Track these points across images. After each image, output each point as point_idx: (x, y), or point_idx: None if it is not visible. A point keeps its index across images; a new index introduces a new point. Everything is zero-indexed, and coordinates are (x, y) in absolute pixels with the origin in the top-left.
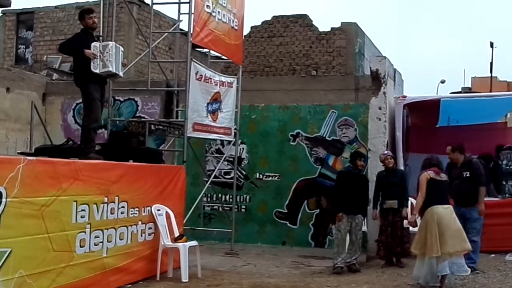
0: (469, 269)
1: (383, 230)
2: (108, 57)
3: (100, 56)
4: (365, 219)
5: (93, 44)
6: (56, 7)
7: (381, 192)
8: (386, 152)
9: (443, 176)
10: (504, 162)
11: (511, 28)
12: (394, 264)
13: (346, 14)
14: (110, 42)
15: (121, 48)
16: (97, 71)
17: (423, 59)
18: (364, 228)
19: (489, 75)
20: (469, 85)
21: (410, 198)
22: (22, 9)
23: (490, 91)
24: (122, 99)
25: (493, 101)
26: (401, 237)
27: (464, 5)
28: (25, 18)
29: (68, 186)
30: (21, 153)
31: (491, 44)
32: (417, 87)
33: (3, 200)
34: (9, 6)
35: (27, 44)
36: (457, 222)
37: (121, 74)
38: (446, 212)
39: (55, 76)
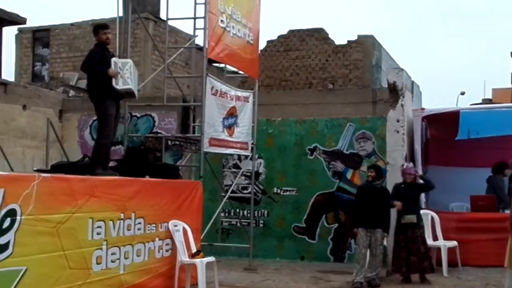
0: None
1: (402, 246)
2: (128, 74)
3: (121, 72)
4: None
5: (113, 59)
6: (72, 24)
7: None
8: (407, 164)
9: None
10: None
11: None
12: (423, 282)
13: (363, 26)
14: (129, 60)
15: (135, 69)
16: (118, 87)
17: (442, 71)
18: (385, 242)
19: (510, 86)
20: (490, 97)
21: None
22: (38, 26)
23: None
24: (139, 115)
25: None
26: (425, 252)
27: (484, 16)
28: (41, 35)
29: (84, 202)
30: (37, 170)
31: None
32: (436, 99)
33: (18, 217)
34: (25, 23)
35: (43, 61)
36: None
37: (136, 93)
38: None
39: (71, 93)
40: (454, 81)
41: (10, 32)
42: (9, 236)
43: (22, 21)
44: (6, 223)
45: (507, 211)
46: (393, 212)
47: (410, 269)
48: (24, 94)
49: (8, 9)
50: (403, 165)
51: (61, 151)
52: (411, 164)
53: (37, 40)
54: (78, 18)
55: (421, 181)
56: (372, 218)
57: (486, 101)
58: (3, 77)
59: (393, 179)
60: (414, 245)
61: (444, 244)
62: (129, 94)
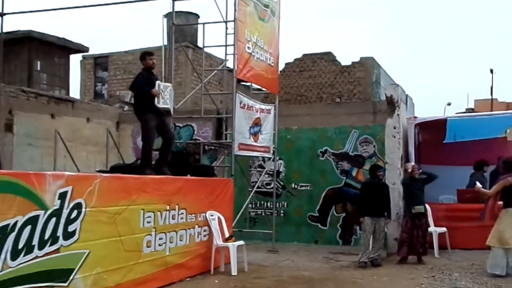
0: None
1: (409, 232)
2: (167, 96)
3: (162, 93)
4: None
5: (158, 82)
6: (126, 51)
7: (407, 197)
8: (413, 164)
9: None
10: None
11: (508, 56)
12: (419, 262)
13: (364, 49)
14: (169, 84)
15: (173, 92)
16: (159, 105)
17: (432, 85)
18: (386, 228)
19: (490, 97)
20: (472, 106)
21: None
22: (99, 54)
23: (491, 111)
24: (181, 125)
25: (494, 119)
26: (425, 237)
27: (467, 37)
28: (101, 61)
29: (137, 197)
30: (99, 171)
31: (491, 71)
32: (426, 109)
33: (83, 209)
34: (87, 51)
35: (103, 82)
36: None
37: (172, 112)
38: None
39: (126, 107)
40: (442, 93)
41: (76, 58)
42: (76, 225)
43: (86, 49)
44: (74, 214)
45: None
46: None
47: (411, 251)
48: (87, 109)
49: (74, 40)
50: (412, 164)
51: (118, 155)
52: (413, 163)
53: (98, 65)
54: (131, 46)
55: (424, 176)
56: (376, 208)
57: (469, 110)
58: (71, 95)
59: (391, 176)
60: (419, 231)
61: (435, 230)
62: (166, 112)
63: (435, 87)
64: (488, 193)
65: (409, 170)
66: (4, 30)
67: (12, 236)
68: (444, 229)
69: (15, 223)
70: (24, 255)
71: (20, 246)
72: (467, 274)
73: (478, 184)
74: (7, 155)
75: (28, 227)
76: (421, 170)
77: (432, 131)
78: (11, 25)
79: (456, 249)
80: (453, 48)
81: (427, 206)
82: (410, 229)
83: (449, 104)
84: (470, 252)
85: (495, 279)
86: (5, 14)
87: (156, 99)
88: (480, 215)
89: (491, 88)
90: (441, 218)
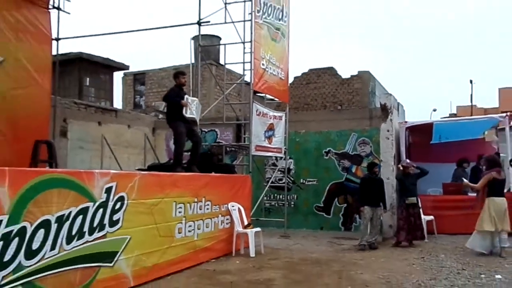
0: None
1: (406, 220)
2: (194, 108)
3: (190, 105)
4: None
5: (186, 96)
6: (159, 69)
7: (401, 190)
8: (408, 161)
9: (503, 175)
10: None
11: (485, 68)
12: (409, 245)
13: (361, 64)
14: (196, 99)
15: (200, 105)
16: (186, 115)
17: (419, 94)
18: (381, 217)
19: (470, 104)
20: (455, 112)
21: None
22: (137, 71)
23: (471, 116)
24: (206, 130)
25: (473, 123)
26: (419, 225)
27: (450, 53)
28: (139, 77)
29: (170, 191)
30: (138, 169)
31: (471, 81)
32: (415, 114)
33: (125, 202)
34: (128, 69)
35: (141, 95)
36: (507, 210)
37: (198, 122)
38: (501, 202)
39: (160, 116)
40: (428, 101)
41: (118, 75)
42: (119, 215)
43: (126, 67)
44: (118, 205)
45: (470, 194)
46: (387, 196)
47: (410, 236)
48: (128, 118)
49: (117, 60)
50: (406, 161)
51: (154, 156)
52: (408, 160)
53: (137, 80)
54: (164, 64)
55: (417, 171)
56: (374, 199)
57: (452, 115)
58: (114, 106)
59: (385, 172)
60: (415, 219)
61: (424, 218)
62: (193, 121)
63: (423, 95)
64: (476, 187)
65: (403, 167)
66: (59, 52)
67: (67, 224)
68: (431, 217)
69: (69, 213)
70: (77, 240)
71: (73, 233)
72: (451, 256)
73: (465, 180)
74: (62, 157)
75: (80, 217)
76: (415, 165)
77: (420, 134)
78: (64, 48)
79: (442, 234)
80: (438, 62)
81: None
82: (406, 218)
83: (434, 110)
84: (454, 236)
85: (477, 259)
86: (60, 39)
87: (184, 109)
88: (473, 205)
89: (471, 96)
90: (429, 207)
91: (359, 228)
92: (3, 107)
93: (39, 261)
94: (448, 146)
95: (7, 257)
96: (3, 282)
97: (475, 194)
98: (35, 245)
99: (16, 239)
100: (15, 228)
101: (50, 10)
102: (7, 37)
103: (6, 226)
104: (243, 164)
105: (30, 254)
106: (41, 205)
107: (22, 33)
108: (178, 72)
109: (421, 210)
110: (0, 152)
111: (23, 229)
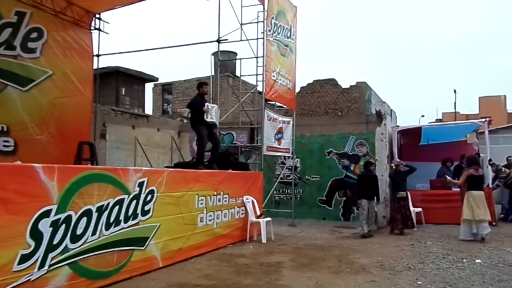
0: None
1: (398, 211)
2: (213, 113)
3: (210, 111)
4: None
5: (206, 103)
6: (184, 80)
7: (393, 186)
8: (398, 160)
9: (480, 172)
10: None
11: (467, 79)
12: (401, 233)
13: (359, 76)
14: (215, 105)
15: (219, 110)
16: (207, 120)
17: (410, 102)
18: (376, 209)
19: (454, 110)
20: (441, 118)
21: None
22: (165, 82)
23: (455, 121)
24: (224, 133)
25: (457, 127)
26: (409, 215)
27: (436, 66)
28: (167, 87)
29: (193, 185)
30: (166, 167)
31: (454, 91)
32: (406, 119)
33: (155, 194)
34: (157, 80)
35: (168, 103)
36: (485, 202)
37: (217, 125)
38: (479, 194)
39: (184, 121)
40: (417, 108)
41: (149, 86)
42: (150, 205)
43: (156, 79)
44: (149, 197)
45: (454, 189)
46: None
47: (402, 225)
48: (158, 122)
49: (148, 72)
50: (397, 161)
51: (179, 155)
52: (398, 160)
53: (165, 90)
54: (188, 76)
55: (407, 168)
56: (370, 193)
57: (438, 120)
58: (146, 112)
59: (380, 169)
60: (406, 211)
61: (413, 210)
62: (213, 125)
63: (412, 103)
64: (457, 183)
65: (395, 166)
66: (100, 66)
67: (105, 213)
68: (420, 209)
69: (108, 204)
70: (114, 227)
71: (111, 220)
72: (437, 242)
73: (448, 177)
74: (102, 156)
75: (117, 207)
76: (404, 163)
77: (410, 136)
78: (104, 62)
79: (429, 224)
80: (426, 74)
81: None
82: (398, 209)
83: (423, 116)
84: (440, 226)
85: (460, 246)
86: (100, 55)
87: (205, 115)
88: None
89: (455, 103)
90: (418, 201)
91: (356, 218)
92: (53, 113)
93: (82, 244)
94: (435, 147)
95: (55, 241)
96: (52, 262)
97: (459, 189)
98: (79, 231)
99: (63, 225)
100: (62, 216)
101: (92, 31)
102: (56, 54)
103: (55, 214)
104: (256, 163)
105: (75, 238)
106: (84, 196)
107: (69, 50)
108: (202, 83)
109: (410, 203)
110: (50, 151)
111: (69, 217)
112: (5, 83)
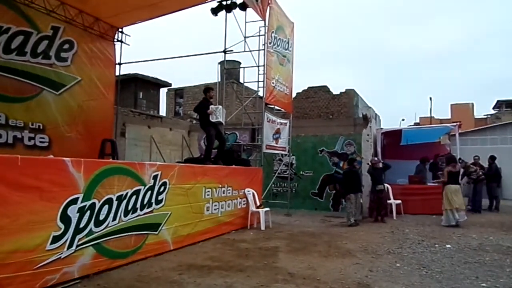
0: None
1: (375, 202)
2: (218, 114)
3: (214, 112)
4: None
5: (211, 106)
6: (194, 86)
7: (372, 180)
8: (376, 158)
9: (458, 168)
10: (439, 163)
11: (441, 88)
12: (379, 221)
13: (348, 83)
14: (219, 106)
15: (224, 110)
16: (213, 120)
17: (392, 107)
18: (361, 200)
19: (430, 115)
20: (418, 121)
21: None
22: (177, 87)
23: (430, 124)
24: (229, 133)
25: (432, 130)
26: (385, 206)
27: (415, 75)
28: (179, 92)
29: (201, 179)
30: (177, 162)
31: (430, 98)
32: (388, 123)
33: (167, 186)
34: (171, 86)
35: (180, 105)
36: (461, 193)
37: (223, 123)
38: (456, 188)
39: (194, 121)
40: (398, 112)
41: (163, 90)
42: (163, 196)
43: (169, 84)
44: (162, 189)
45: (429, 184)
46: (366, 184)
47: (377, 214)
48: (170, 123)
49: (162, 79)
50: (374, 159)
51: (189, 152)
52: (377, 158)
53: (177, 94)
54: (197, 82)
55: (381, 165)
56: (356, 188)
57: (416, 124)
58: (160, 114)
59: (365, 166)
60: (380, 202)
61: (394, 201)
62: (219, 123)
63: (394, 108)
64: (443, 180)
65: (372, 163)
66: (121, 73)
67: (124, 202)
68: (399, 201)
69: (126, 194)
70: (132, 214)
71: (129, 208)
72: (414, 230)
73: (441, 178)
74: (122, 151)
75: (134, 196)
76: (381, 161)
77: (392, 137)
78: (124, 70)
79: (407, 214)
80: (406, 83)
81: (387, 186)
82: (376, 200)
83: (403, 119)
84: (416, 216)
85: (433, 233)
86: (121, 63)
87: (210, 116)
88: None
89: (430, 109)
90: (398, 194)
91: (344, 209)
92: (81, 114)
93: (104, 228)
94: (413, 147)
95: (81, 225)
96: (79, 243)
97: (435, 184)
98: (101, 217)
99: (88, 211)
100: (88, 203)
101: (115, 43)
102: (84, 63)
103: (81, 202)
104: (256, 159)
105: (98, 223)
106: (106, 187)
107: (95, 60)
108: (208, 88)
109: (391, 195)
110: (78, 147)
111: (93, 204)
112: (42, 87)
